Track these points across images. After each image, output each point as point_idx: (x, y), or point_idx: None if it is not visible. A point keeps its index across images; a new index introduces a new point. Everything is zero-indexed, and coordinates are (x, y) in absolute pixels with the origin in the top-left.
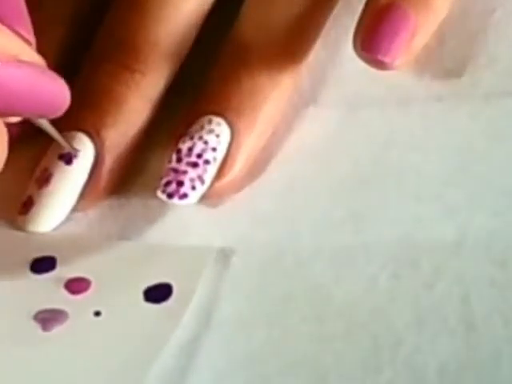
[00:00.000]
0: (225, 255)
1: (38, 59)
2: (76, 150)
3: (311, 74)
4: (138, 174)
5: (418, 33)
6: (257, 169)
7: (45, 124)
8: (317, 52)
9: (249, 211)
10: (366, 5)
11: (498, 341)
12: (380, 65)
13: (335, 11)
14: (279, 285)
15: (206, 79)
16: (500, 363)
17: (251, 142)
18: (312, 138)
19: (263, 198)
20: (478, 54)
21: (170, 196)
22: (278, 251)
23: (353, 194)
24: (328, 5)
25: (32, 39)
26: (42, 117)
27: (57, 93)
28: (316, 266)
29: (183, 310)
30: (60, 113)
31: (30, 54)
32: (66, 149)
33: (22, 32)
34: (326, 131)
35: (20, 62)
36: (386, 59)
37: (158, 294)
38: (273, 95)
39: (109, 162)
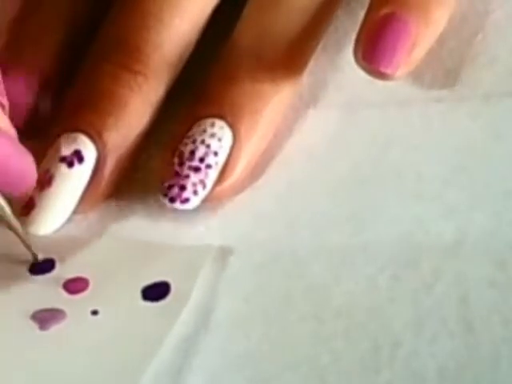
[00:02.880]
0: (223, 254)
1: (10, 129)
2: (36, 257)
3: (311, 76)
4: (138, 175)
5: (418, 44)
6: (257, 172)
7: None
8: (317, 54)
9: (248, 211)
10: (366, 15)
11: (497, 341)
12: (381, 76)
13: (335, 14)
14: (278, 284)
15: (206, 82)
16: (499, 364)
17: (252, 145)
18: (312, 139)
19: (263, 198)
20: (478, 54)
21: (172, 200)
22: (277, 251)
23: (352, 194)
24: (329, 10)
25: (5, 102)
26: (4, 191)
27: (24, 168)
28: (315, 266)
29: (181, 309)
30: (23, 191)
31: (4, 122)
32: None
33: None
34: (326, 132)
35: None
36: (388, 71)
37: (155, 292)
38: (274, 99)
39: (110, 164)
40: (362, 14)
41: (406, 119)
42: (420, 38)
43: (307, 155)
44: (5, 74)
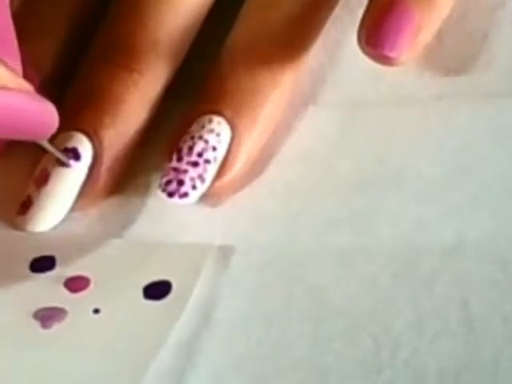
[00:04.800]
0: (224, 254)
1: (26, 85)
2: (69, 164)
3: (311, 74)
4: (137, 173)
5: (422, 28)
6: (257, 168)
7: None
8: (316, 52)
9: (248, 210)
10: (370, 1)
11: (498, 342)
12: (385, 60)
13: (334, 11)
14: (279, 284)
15: (205, 79)
16: (499, 364)
17: (251, 141)
18: (312, 137)
19: (263, 197)
20: (478, 54)
21: (171, 195)
22: (278, 251)
23: (353, 194)
24: (328, 4)
25: (18, 67)
26: (32, 139)
27: (45, 116)
28: (315, 266)
29: (182, 308)
30: (49, 135)
31: (17, 82)
32: (63, 160)
33: (8, 61)
34: (325, 131)
35: (8, 89)
36: (392, 54)
37: (157, 291)
38: (273, 94)
39: (107, 161)
40: (361, 11)
41: (406, 119)
42: (424, 22)
43: (307, 154)
44: None
